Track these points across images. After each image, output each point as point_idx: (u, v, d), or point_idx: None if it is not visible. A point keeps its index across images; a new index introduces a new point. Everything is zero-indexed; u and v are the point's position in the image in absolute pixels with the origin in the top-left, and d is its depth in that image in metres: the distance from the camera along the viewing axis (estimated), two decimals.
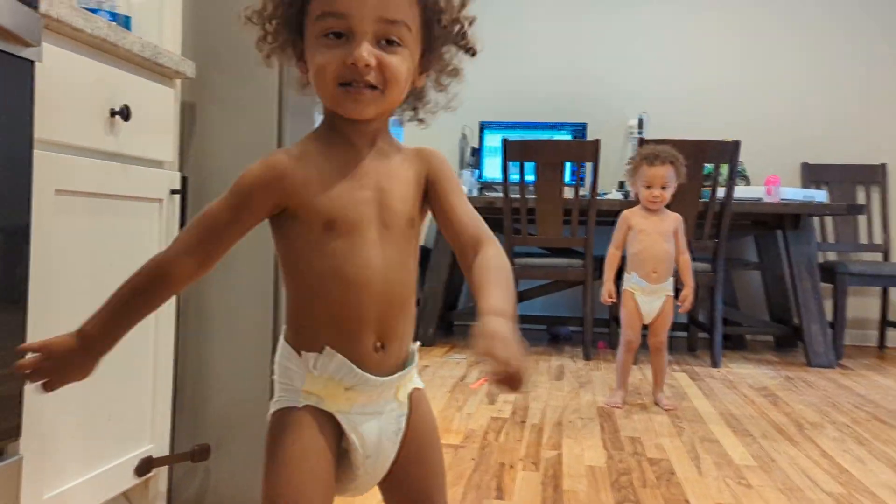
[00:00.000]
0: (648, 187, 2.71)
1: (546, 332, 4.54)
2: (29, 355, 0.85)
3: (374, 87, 0.82)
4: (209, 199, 1.57)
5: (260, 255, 1.56)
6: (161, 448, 1.51)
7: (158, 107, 1.46)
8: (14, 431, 1.07)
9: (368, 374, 0.86)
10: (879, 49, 4.53)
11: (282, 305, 1.55)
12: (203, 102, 1.60)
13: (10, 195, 1.04)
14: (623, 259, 2.83)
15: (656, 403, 2.78)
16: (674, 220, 2.79)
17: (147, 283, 0.86)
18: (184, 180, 1.52)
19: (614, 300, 2.83)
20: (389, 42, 0.83)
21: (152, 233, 1.46)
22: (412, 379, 0.94)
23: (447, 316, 4.36)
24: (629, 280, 2.78)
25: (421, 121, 0.98)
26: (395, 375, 0.89)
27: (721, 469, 2.06)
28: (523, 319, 4.09)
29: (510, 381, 0.72)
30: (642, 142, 3.57)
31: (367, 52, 0.80)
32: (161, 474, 1.55)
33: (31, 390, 1.06)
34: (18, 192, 1.06)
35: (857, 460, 2.16)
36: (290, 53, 0.90)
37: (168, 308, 1.51)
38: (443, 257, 4.04)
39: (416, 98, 0.95)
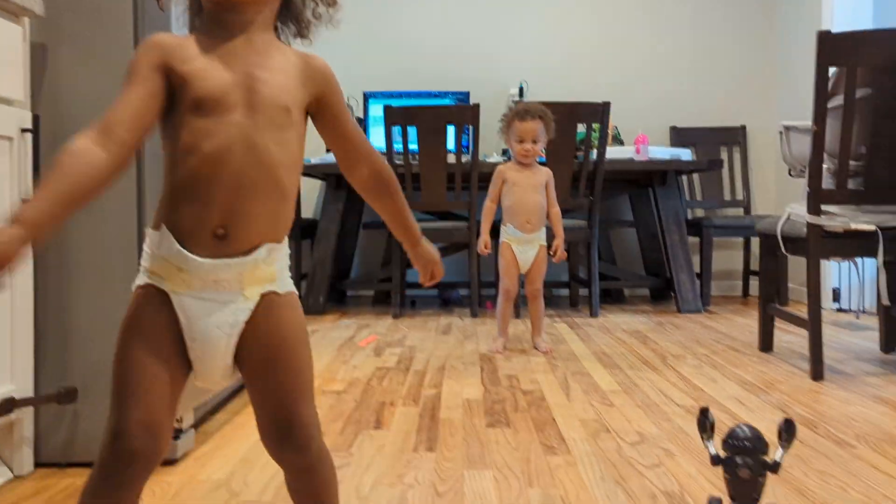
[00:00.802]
0: (520, 142, 2.83)
1: (438, 298, 4.63)
2: None
3: None
4: (64, 139, 1.55)
5: (125, 197, 1.54)
6: (24, 390, 1.48)
7: (4, 43, 1.42)
8: None
9: (197, 258, 0.87)
10: (740, 24, 4.81)
11: None
12: (54, 43, 1.56)
13: None
14: (500, 213, 2.94)
15: (535, 348, 2.89)
16: (544, 173, 2.91)
17: (81, 169, 0.81)
18: (36, 119, 1.49)
19: (489, 251, 2.92)
20: None
21: (2, 171, 1.42)
22: (270, 279, 0.93)
23: (339, 285, 4.38)
24: (505, 232, 2.90)
25: (304, 36, 1.01)
26: (229, 260, 0.88)
27: (588, 394, 2.17)
28: (416, 286, 4.18)
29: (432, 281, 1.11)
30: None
31: None
32: (26, 419, 1.52)
33: None
34: None
35: (710, 380, 2.34)
36: None
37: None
38: (331, 225, 4.05)
39: (291, 11, 0.98)
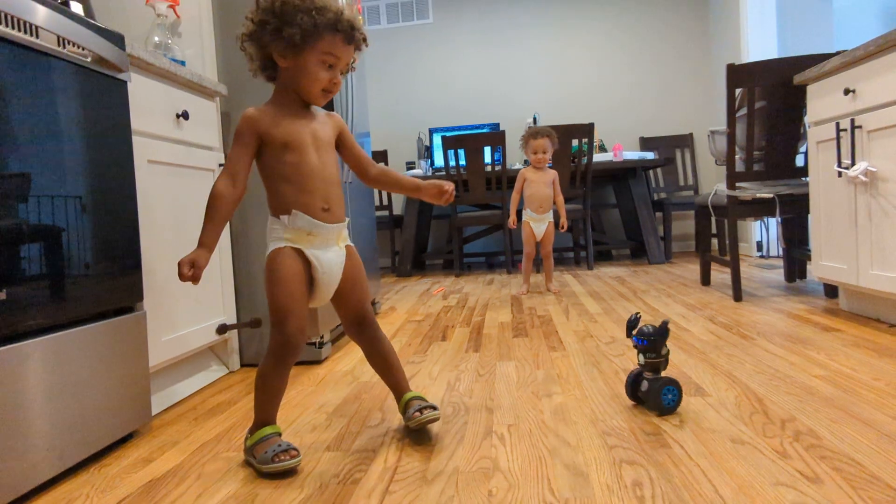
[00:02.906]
0: (535, 153, 2.94)
1: (485, 263, 4.75)
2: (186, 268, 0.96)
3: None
4: None
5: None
6: (230, 319, 1.68)
7: (206, 113, 1.61)
8: (139, 295, 1.23)
9: (320, 222, 1.04)
10: (687, 62, 4.75)
11: None
12: (234, 111, 1.74)
13: (121, 162, 1.20)
14: (521, 201, 3.05)
15: (548, 290, 3.01)
16: (552, 174, 3.00)
17: (226, 207, 1.00)
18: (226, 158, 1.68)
19: (515, 226, 3.07)
20: (341, 73, 1.05)
21: (208, 190, 1.61)
22: (345, 238, 1.11)
23: (419, 257, 4.53)
24: (526, 214, 3.01)
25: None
26: (335, 224, 1.06)
27: (581, 316, 2.26)
28: (469, 255, 4.30)
29: (449, 195, 1.11)
30: None
31: (340, 79, 1.04)
32: (233, 337, 1.72)
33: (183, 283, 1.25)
34: (126, 160, 1.21)
35: (664, 305, 2.39)
36: (259, 66, 1.07)
37: (225, 230, 1.67)
38: (411, 218, 4.18)
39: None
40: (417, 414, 1.09)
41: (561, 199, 3.02)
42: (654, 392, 1.15)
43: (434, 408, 1.11)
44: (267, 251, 1.05)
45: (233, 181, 1.00)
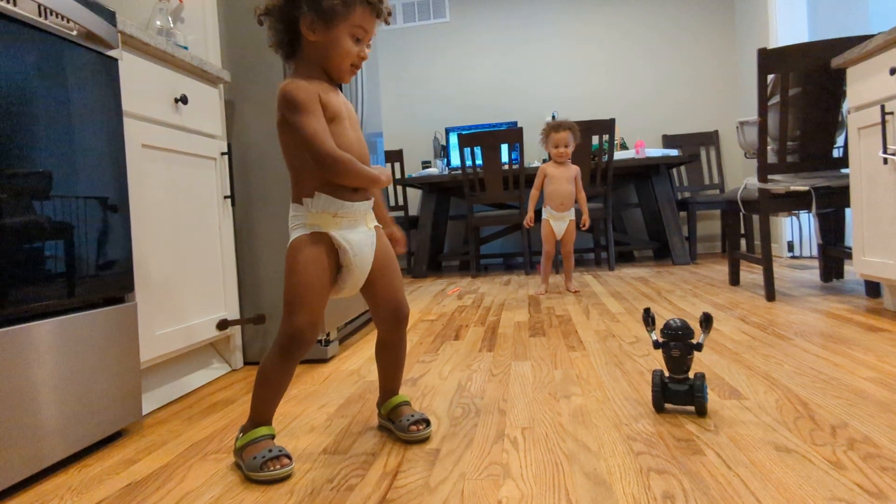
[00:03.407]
0: (556, 147, 2.79)
1: (503, 264, 4.65)
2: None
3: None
4: (247, 161, 1.68)
5: (284, 194, 1.64)
6: (233, 315, 1.61)
7: (209, 99, 1.55)
8: (129, 285, 1.16)
9: (346, 202, 0.95)
10: (711, 58, 4.60)
11: None
12: (239, 99, 1.68)
13: (112, 144, 1.13)
14: (541, 199, 2.94)
15: (567, 290, 2.89)
16: (574, 169, 2.85)
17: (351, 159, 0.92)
18: (229, 146, 1.62)
19: (532, 224, 2.95)
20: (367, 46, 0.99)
21: (211, 179, 1.55)
22: (373, 218, 1.02)
23: (435, 258, 4.46)
24: (546, 211, 2.87)
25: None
26: (363, 202, 0.98)
27: (602, 315, 2.16)
28: (486, 256, 4.20)
29: (398, 249, 1.07)
30: None
31: (366, 53, 0.98)
32: (237, 334, 1.65)
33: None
34: (117, 143, 1.15)
35: (690, 304, 2.27)
36: (279, 41, 0.98)
37: (227, 221, 1.61)
38: (427, 218, 4.12)
39: None
40: (414, 428, 1.02)
41: (583, 195, 2.89)
42: (699, 391, 1.04)
43: (428, 423, 1.04)
44: (289, 242, 0.97)
45: (336, 147, 0.91)
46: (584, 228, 2.89)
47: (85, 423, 1.02)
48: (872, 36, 1.86)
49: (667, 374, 1.16)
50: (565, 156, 2.81)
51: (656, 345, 1.11)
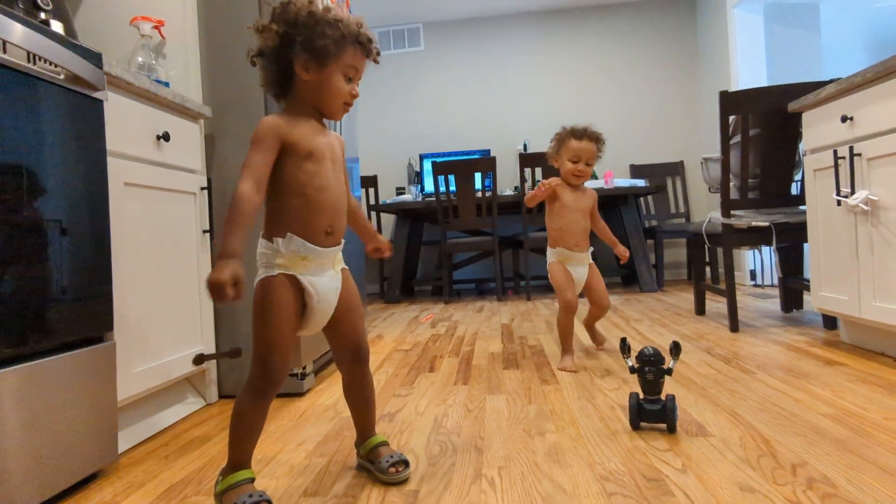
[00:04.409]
0: (575, 161, 1.93)
1: (475, 289, 4.69)
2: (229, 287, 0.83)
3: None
4: (226, 194, 1.68)
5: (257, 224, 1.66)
6: (209, 349, 1.60)
7: (189, 135, 1.56)
8: (108, 325, 1.15)
9: (316, 247, 0.97)
10: (677, 92, 4.79)
11: None
12: (219, 134, 1.69)
13: (95, 184, 1.13)
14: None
15: (600, 348, 2.14)
16: (591, 198, 2.01)
17: (253, 211, 0.89)
18: (209, 181, 1.63)
19: (534, 203, 1.96)
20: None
21: (190, 214, 1.55)
22: (341, 261, 1.05)
23: (408, 283, 4.46)
24: (555, 253, 1.99)
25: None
26: (332, 248, 1.00)
27: (574, 346, 2.20)
28: (459, 282, 4.22)
29: (380, 253, 1.15)
30: (522, 156, 3.73)
31: (357, 91, 1.02)
32: (212, 368, 1.64)
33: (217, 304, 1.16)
34: (100, 182, 1.15)
35: (658, 334, 2.34)
36: (271, 81, 1.01)
37: (205, 255, 1.60)
38: (400, 243, 4.14)
39: None
40: (393, 470, 1.04)
41: (603, 224, 2.07)
42: (670, 410, 1.19)
43: (407, 464, 1.07)
44: (256, 278, 0.98)
45: (257, 186, 0.91)
46: (623, 261, 2.10)
47: (60, 467, 1.01)
48: (826, 83, 1.99)
49: (641, 395, 1.24)
50: (584, 175, 1.94)
51: (632, 370, 1.22)
